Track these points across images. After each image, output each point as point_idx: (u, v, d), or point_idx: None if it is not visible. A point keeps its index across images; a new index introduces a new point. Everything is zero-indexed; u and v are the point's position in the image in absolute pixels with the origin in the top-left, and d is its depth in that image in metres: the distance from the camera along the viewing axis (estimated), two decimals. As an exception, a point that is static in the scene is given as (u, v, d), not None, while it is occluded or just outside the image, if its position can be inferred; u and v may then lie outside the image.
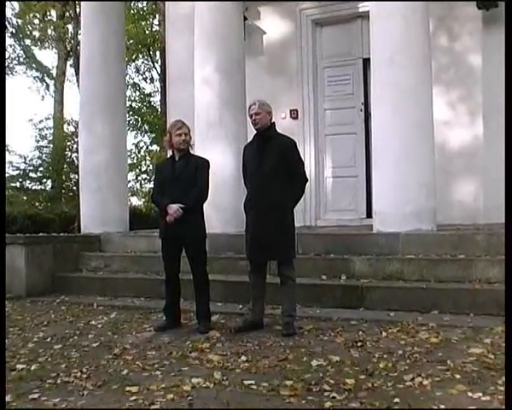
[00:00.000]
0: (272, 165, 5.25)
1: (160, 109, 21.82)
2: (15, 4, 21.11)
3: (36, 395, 3.74)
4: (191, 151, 5.78)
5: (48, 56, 35.11)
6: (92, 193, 9.21)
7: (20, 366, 4.41)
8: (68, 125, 19.44)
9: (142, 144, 23.06)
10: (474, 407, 3.21)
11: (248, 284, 5.56)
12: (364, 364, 4.09)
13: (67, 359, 4.63)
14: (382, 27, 6.92)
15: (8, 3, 19.50)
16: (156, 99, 24.11)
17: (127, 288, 7.37)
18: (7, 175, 15.62)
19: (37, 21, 23.47)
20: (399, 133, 6.74)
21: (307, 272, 6.49)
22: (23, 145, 26.41)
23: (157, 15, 22.51)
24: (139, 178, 22.29)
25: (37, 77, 23.49)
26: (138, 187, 22.41)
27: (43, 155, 18.27)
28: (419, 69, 6.82)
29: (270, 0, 10.24)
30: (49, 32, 23.49)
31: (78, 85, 11.99)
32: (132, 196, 21.27)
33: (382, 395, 3.47)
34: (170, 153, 5.95)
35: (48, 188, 18.57)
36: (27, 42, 23.35)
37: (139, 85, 24.21)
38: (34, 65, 23.25)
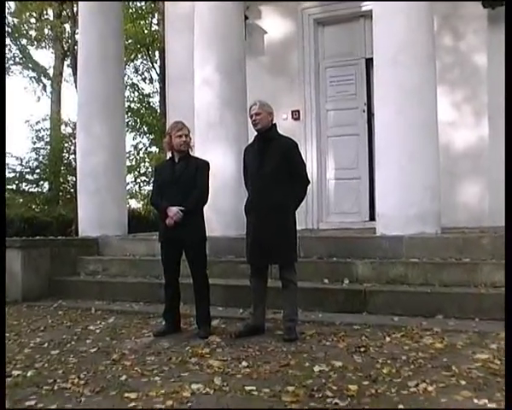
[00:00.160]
0: (273, 166, 5.25)
1: (159, 110, 21.85)
2: (11, 3, 21.13)
3: (32, 402, 3.74)
4: (191, 153, 5.79)
5: (44, 56, 35.23)
6: (90, 195, 9.21)
7: (16, 372, 4.41)
8: (66, 126, 19.55)
9: (141, 146, 23.11)
10: (472, 408, 3.22)
11: (249, 287, 5.56)
12: (368, 369, 4.09)
13: (65, 364, 4.63)
14: (385, 26, 6.93)
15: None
16: (155, 100, 24.16)
17: (126, 292, 7.37)
18: (3, 177, 15.63)
19: (33, 20, 23.48)
20: (403, 134, 6.75)
21: (309, 275, 6.49)
22: (19, 147, 26.44)
23: (156, 14, 22.56)
24: (138, 180, 22.35)
25: (34, 77, 23.51)
26: (137, 189, 22.46)
27: (40, 157, 18.33)
28: (423, 69, 6.83)
29: (272, -1, 10.28)
30: (46, 31, 23.49)
31: (76, 86, 12.01)
32: (131, 198, 21.31)
33: (386, 402, 3.47)
34: (169, 154, 5.95)
35: (45, 190, 18.62)
36: (23, 41, 23.36)
37: (138, 86, 24.24)
38: (30, 65, 23.26)
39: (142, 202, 21.77)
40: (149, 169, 21.58)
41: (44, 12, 23.21)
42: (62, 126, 20.02)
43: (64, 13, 22.53)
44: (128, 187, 18.21)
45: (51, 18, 23.24)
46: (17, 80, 43.11)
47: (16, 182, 17.71)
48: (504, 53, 4.52)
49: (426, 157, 6.78)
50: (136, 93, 24.04)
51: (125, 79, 17.90)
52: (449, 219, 7.60)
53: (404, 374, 3.96)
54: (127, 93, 21.77)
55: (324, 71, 10.17)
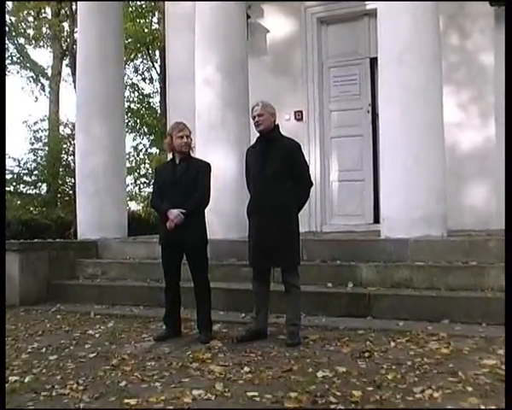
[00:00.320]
0: (276, 168, 5.26)
1: (159, 111, 21.89)
2: (9, 2, 21.18)
3: (30, 409, 3.74)
4: (192, 154, 5.79)
5: (43, 56, 35.27)
6: (89, 197, 9.23)
7: (13, 378, 4.40)
8: (64, 127, 19.50)
9: (141, 147, 23.14)
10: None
11: (251, 291, 5.56)
12: (372, 375, 4.09)
13: (63, 370, 4.64)
14: (390, 25, 6.93)
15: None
16: (156, 100, 24.20)
17: (125, 296, 7.37)
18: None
19: (31, 19, 23.53)
20: (408, 135, 6.75)
21: (312, 279, 6.50)
22: (17, 148, 26.48)
23: (156, 13, 22.60)
24: (138, 181, 22.33)
25: (32, 77, 23.55)
26: (137, 191, 22.44)
27: (38, 158, 18.30)
28: (429, 68, 6.83)
29: (274, -2, 10.29)
30: (44, 30, 23.53)
31: (75, 86, 12.03)
32: (131, 200, 21.30)
33: (391, 408, 3.46)
34: (170, 156, 5.96)
35: (43, 192, 18.60)
36: (21, 40, 23.40)
37: (138, 86, 24.27)
38: (28, 64, 23.30)
39: (142, 204, 21.74)
40: (149, 171, 21.58)
41: (42, 10, 23.27)
42: (61, 127, 19.99)
43: (62, 11, 22.57)
44: (128, 189, 18.19)
45: (49, 16, 23.30)
46: (15, 80, 43.08)
47: (14, 184, 17.69)
48: (504, 53, 4.52)
49: (431, 158, 6.78)
50: (136, 93, 24.09)
51: (125, 78, 17.88)
52: (455, 221, 7.59)
53: (409, 380, 3.95)
54: (127, 93, 21.80)
55: (328, 71, 10.17)
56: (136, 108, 23.25)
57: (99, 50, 9.30)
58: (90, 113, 9.31)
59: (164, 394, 3.88)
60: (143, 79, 24.69)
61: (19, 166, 17.85)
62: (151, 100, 24.58)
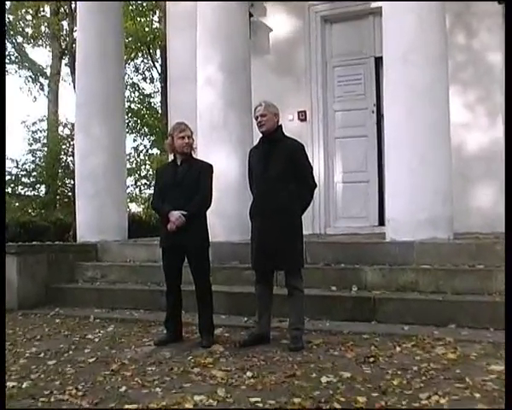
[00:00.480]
0: (279, 169, 5.26)
1: (160, 111, 21.87)
2: (8, 1, 21.20)
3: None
4: (194, 155, 5.79)
5: (41, 55, 35.34)
6: (89, 199, 9.23)
7: (10, 384, 4.39)
8: (63, 127, 19.56)
9: (141, 148, 23.10)
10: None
11: (254, 295, 5.56)
12: (377, 381, 4.09)
13: (62, 375, 4.64)
14: (396, 25, 6.93)
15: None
16: (157, 100, 24.18)
17: (126, 299, 7.37)
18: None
19: (29, 17, 23.56)
20: (414, 136, 6.74)
21: (316, 282, 6.49)
22: (15, 149, 26.54)
23: (157, 12, 22.58)
24: (138, 183, 22.32)
25: (30, 76, 23.59)
26: (137, 193, 22.44)
27: (37, 159, 18.36)
28: (435, 68, 6.83)
29: (277, -4, 10.30)
30: (43, 28, 23.58)
31: (74, 85, 12.06)
32: (131, 202, 21.31)
33: (396, 414, 3.47)
34: (171, 157, 5.96)
35: (42, 194, 18.64)
36: (19, 39, 23.45)
37: (138, 85, 24.28)
38: (27, 64, 23.34)
39: (142, 206, 21.75)
40: (150, 172, 21.57)
41: (41, 9, 23.28)
42: (60, 127, 20.04)
43: (61, 10, 22.60)
44: (128, 190, 18.20)
45: (48, 15, 23.33)
46: (13, 80, 43.15)
47: (12, 185, 17.74)
48: (504, 53, 4.51)
49: (437, 159, 6.77)
50: (137, 93, 24.10)
51: (125, 78, 17.87)
52: (461, 224, 7.58)
53: (415, 386, 3.95)
54: (127, 93, 21.78)
55: (332, 70, 10.17)
56: (136, 108, 23.25)
57: (99, 49, 9.30)
58: (90, 113, 9.31)
59: (165, 399, 3.88)
60: (144, 79, 24.71)
61: (17, 167, 17.92)
62: (152, 100, 24.59)
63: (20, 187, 18.18)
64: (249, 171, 5.66)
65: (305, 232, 5.50)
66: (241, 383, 4.20)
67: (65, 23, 22.95)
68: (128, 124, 19.87)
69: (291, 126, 8.79)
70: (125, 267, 8.17)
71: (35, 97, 23.94)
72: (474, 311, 5.61)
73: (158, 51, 22.93)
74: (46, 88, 23.62)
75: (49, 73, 23.45)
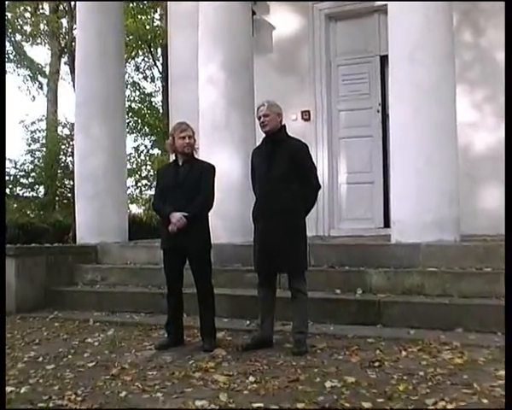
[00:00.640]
0: (282, 170, 5.26)
1: (161, 110, 21.92)
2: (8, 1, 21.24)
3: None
4: (196, 155, 5.79)
5: (40, 53, 35.36)
6: (89, 200, 9.24)
7: (8, 389, 4.38)
8: (63, 127, 19.60)
9: (142, 148, 23.14)
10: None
11: (257, 298, 5.56)
12: (382, 386, 4.08)
13: (61, 380, 4.63)
14: (401, 22, 6.93)
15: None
16: (158, 99, 24.20)
17: (126, 302, 7.37)
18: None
19: (28, 15, 23.57)
20: (420, 136, 6.74)
21: (320, 285, 6.49)
22: (13, 149, 26.59)
23: (158, 9, 22.63)
24: (139, 184, 22.36)
25: (29, 75, 23.61)
26: (138, 194, 22.48)
27: (36, 160, 18.40)
28: (441, 67, 6.82)
29: (280, -7, 10.30)
30: (42, 26, 23.58)
31: (74, 85, 12.07)
32: (132, 203, 21.34)
33: (402, 420, 3.46)
34: (173, 157, 5.96)
35: (40, 195, 18.67)
36: (18, 37, 23.46)
37: (139, 85, 24.27)
38: (25, 62, 23.36)
39: (143, 208, 21.79)
40: (151, 172, 21.61)
41: (40, 6, 23.31)
42: (59, 127, 20.08)
43: (61, 7, 22.63)
44: (129, 191, 18.20)
45: (47, 12, 23.34)
46: (11, 78, 43.19)
47: (10, 186, 17.78)
48: (504, 53, 4.51)
49: (444, 160, 6.76)
50: (138, 92, 24.08)
51: (126, 77, 17.88)
52: (468, 225, 7.56)
53: (421, 391, 3.93)
54: (128, 92, 21.76)
55: (336, 69, 10.17)
56: (137, 107, 23.25)
57: (99, 48, 9.32)
58: (90, 113, 9.33)
59: (166, 404, 3.88)
60: (145, 78, 24.73)
61: (15, 167, 17.97)
62: (153, 99, 24.60)
63: (18, 188, 18.22)
64: (252, 171, 5.66)
65: (308, 234, 5.49)
66: (244, 387, 4.20)
67: (64, 21, 22.97)
68: (128, 124, 19.89)
69: (294, 126, 8.80)
70: (125, 270, 8.18)
71: (34, 97, 23.97)
72: (482, 315, 5.60)
73: (159, 50, 22.96)
74: (45, 87, 23.64)
75: (48, 72, 23.47)
